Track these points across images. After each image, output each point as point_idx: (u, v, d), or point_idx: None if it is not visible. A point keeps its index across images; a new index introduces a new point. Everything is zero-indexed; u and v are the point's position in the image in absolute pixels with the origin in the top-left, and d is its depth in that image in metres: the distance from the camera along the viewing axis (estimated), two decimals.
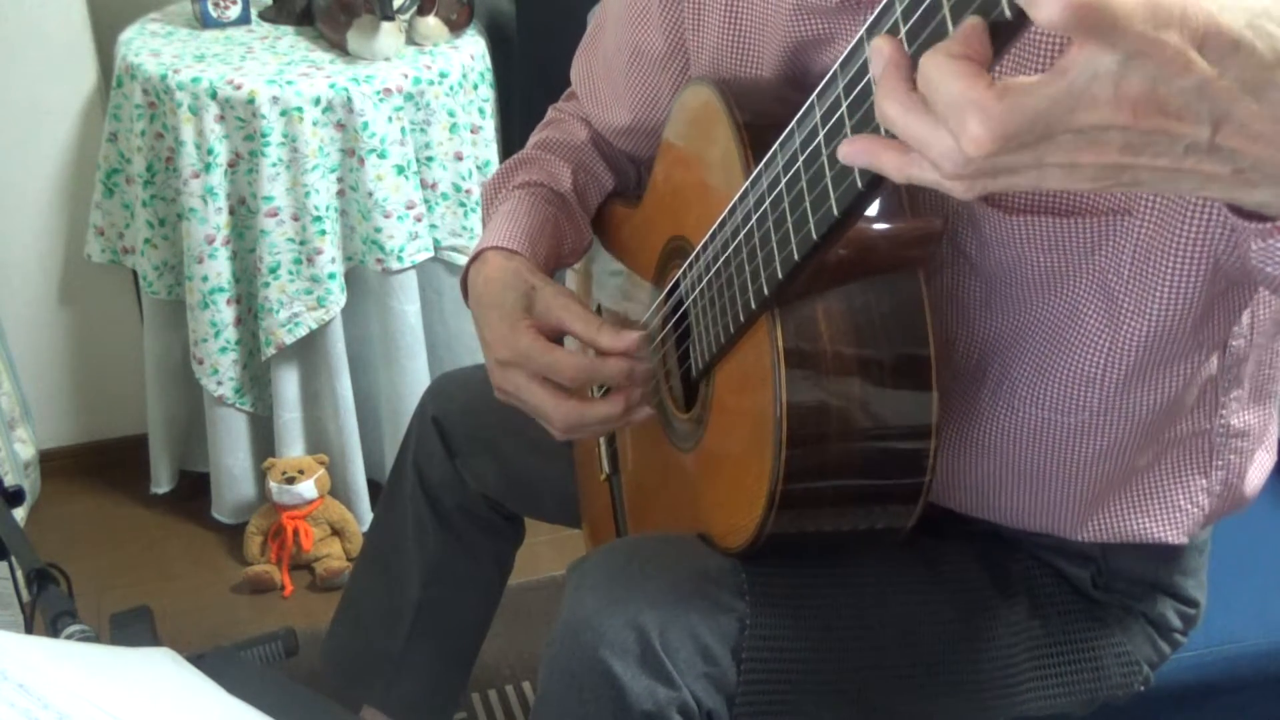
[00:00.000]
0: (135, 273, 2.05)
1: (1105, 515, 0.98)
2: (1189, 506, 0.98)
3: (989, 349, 0.93)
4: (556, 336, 1.03)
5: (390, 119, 1.84)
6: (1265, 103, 0.50)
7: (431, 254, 1.96)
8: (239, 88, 1.79)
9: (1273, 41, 0.49)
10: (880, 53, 0.56)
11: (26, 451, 2.11)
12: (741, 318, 0.86)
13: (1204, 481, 0.98)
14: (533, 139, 1.22)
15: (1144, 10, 0.46)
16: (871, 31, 0.59)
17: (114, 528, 2.14)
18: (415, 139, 1.90)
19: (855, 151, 0.60)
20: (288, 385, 1.99)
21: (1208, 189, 0.54)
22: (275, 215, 1.84)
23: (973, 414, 0.95)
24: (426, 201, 1.94)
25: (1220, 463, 0.97)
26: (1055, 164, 0.52)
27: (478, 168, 2.00)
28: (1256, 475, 1.01)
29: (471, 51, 1.99)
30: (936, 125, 0.53)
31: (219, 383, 1.97)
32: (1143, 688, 1.07)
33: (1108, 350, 0.88)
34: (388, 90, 1.84)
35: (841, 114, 0.66)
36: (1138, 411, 0.91)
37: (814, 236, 0.74)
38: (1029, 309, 0.90)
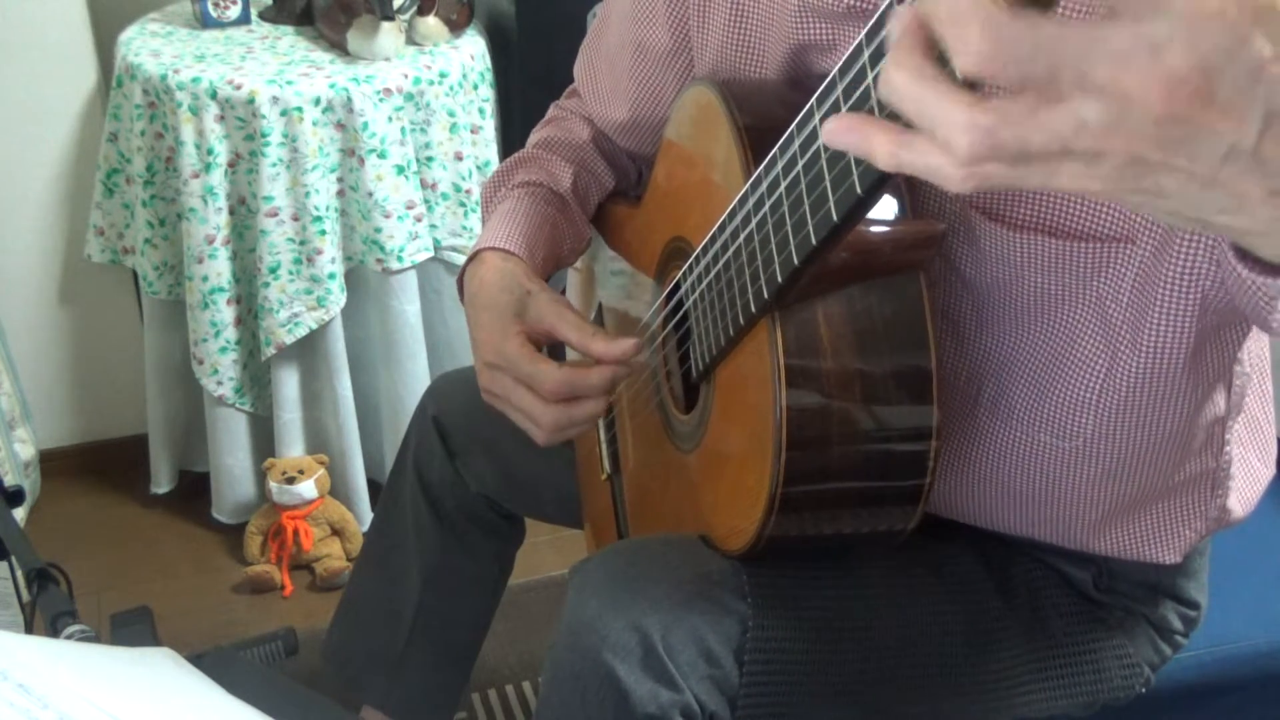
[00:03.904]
0: (135, 273, 2.05)
1: (1105, 540, 0.98)
2: (1189, 534, 0.99)
3: (983, 368, 0.92)
4: (547, 343, 1.02)
5: (390, 119, 1.84)
6: None
7: (431, 254, 1.96)
8: (239, 88, 1.79)
9: None
10: (900, 19, 0.49)
11: (26, 451, 2.11)
12: (742, 320, 0.86)
13: (1204, 509, 0.98)
14: (533, 137, 1.22)
15: None
16: (873, 34, 0.59)
17: (114, 528, 2.14)
18: (415, 139, 1.90)
19: (839, 130, 0.52)
20: (288, 385, 1.99)
21: (1237, 215, 0.47)
22: (275, 215, 1.84)
23: (971, 433, 0.95)
24: (426, 201, 1.94)
25: (1221, 491, 0.98)
26: (1082, 150, 0.45)
27: (478, 168, 2.00)
28: (1254, 492, 1.02)
29: (471, 51, 1.99)
30: (952, 94, 0.46)
31: (219, 383, 1.97)
32: (1144, 689, 1.07)
33: (1104, 377, 0.88)
34: (388, 90, 1.84)
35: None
36: (1134, 442, 0.91)
37: (813, 240, 0.74)
38: (1024, 330, 0.89)
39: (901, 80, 0.47)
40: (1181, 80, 0.41)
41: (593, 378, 0.97)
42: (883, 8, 0.58)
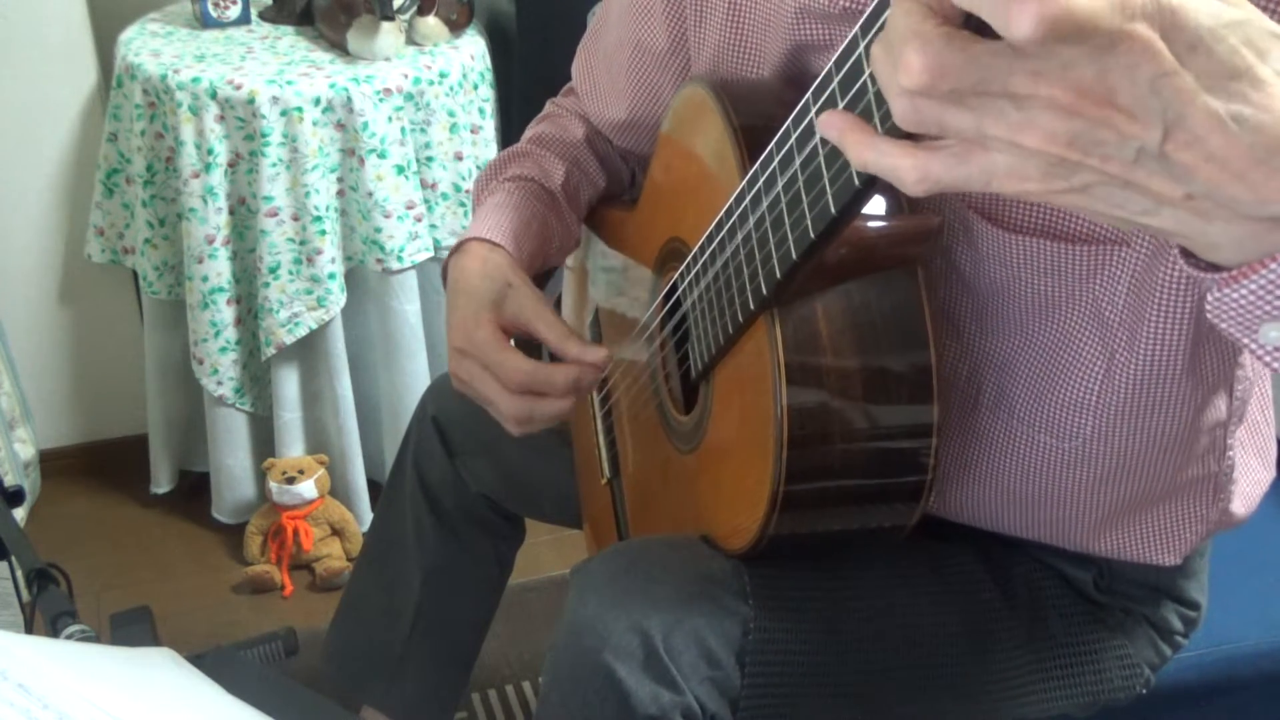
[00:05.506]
0: (135, 273, 2.05)
1: (1104, 541, 0.98)
2: (1189, 536, 0.99)
3: (983, 368, 0.93)
4: (524, 338, 1.03)
5: (390, 119, 1.84)
6: (1220, 105, 0.48)
7: (431, 254, 1.96)
8: (239, 88, 1.79)
9: (1233, 55, 0.47)
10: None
11: (26, 451, 2.11)
12: (740, 318, 0.86)
13: (1205, 513, 0.98)
14: (528, 132, 1.22)
15: (1110, 7, 0.46)
16: (867, 28, 0.59)
17: (114, 528, 2.14)
18: (415, 139, 1.90)
19: (827, 123, 0.58)
20: (288, 385, 1.99)
21: (1159, 216, 0.51)
22: (275, 215, 1.84)
23: (971, 433, 0.95)
24: (426, 201, 1.94)
25: (1223, 495, 0.98)
26: (998, 138, 0.50)
27: (478, 168, 2.00)
28: (1254, 494, 1.01)
29: (471, 51, 1.99)
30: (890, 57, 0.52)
31: (219, 383, 1.97)
32: (1144, 690, 1.07)
33: (1102, 379, 0.88)
34: (388, 90, 1.84)
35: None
36: (1133, 444, 0.91)
37: (811, 235, 0.74)
38: (1023, 331, 0.90)
39: (876, 55, 0.53)
40: (1086, 88, 0.48)
41: (556, 376, 0.98)
42: (873, 6, 0.58)
